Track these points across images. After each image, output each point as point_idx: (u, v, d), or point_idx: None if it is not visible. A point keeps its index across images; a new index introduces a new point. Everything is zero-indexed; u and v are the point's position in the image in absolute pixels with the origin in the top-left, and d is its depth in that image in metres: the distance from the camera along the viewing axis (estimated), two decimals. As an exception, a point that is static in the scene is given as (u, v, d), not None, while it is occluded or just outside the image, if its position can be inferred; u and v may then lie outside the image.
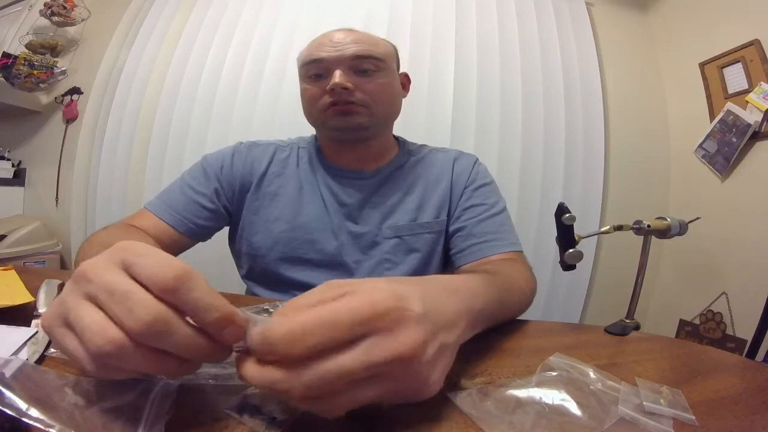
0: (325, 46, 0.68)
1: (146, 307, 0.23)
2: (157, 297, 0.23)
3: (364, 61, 0.67)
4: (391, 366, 0.24)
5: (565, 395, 0.31)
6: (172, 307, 0.23)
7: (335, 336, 0.23)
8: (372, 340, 0.24)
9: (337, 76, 0.65)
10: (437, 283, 0.33)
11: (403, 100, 0.78)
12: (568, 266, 0.64)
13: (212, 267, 1.16)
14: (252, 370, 0.24)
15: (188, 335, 0.24)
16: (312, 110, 0.71)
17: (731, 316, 1.46)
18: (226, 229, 0.78)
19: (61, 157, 1.91)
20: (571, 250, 0.62)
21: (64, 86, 1.96)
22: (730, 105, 1.55)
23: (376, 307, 0.24)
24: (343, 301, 0.25)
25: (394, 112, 0.75)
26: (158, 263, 0.24)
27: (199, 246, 0.73)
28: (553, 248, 0.97)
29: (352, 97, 0.67)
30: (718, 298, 1.51)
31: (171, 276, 0.23)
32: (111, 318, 0.23)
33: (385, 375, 0.24)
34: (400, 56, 0.78)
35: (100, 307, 0.24)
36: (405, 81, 0.78)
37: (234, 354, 0.26)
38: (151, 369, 0.24)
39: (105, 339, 0.23)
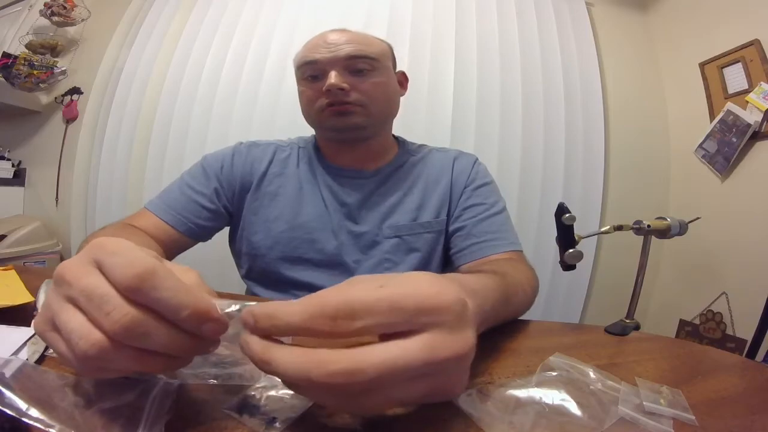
0: (320, 48, 0.68)
1: (121, 310, 0.23)
2: (127, 299, 0.23)
3: (358, 61, 0.67)
4: (448, 364, 0.23)
5: (565, 395, 0.31)
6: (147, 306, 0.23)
7: (395, 320, 0.22)
8: (434, 334, 0.23)
9: (333, 77, 0.65)
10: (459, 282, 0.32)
11: (403, 99, 0.78)
12: (568, 266, 0.64)
13: (212, 267, 1.16)
14: (291, 355, 0.22)
15: (167, 334, 0.23)
16: (309, 111, 0.71)
17: (731, 316, 1.46)
18: (226, 229, 0.78)
19: (61, 157, 1.91)
20: (571, 250, 0.62)
21: (64, 86, 1.96)
22: (730, 105, 1.55)
23: (441, 297, 0.23)
24: (408, 285, 0.23)
25: (391, 111, 0.75)
26: (123, 263, 0.24)
27: (199, 246, 0.73)
28: (553, 248, 0.97)
29: (348, 97, 0.67)
30: (718, 298, 1.51)
31: (131, 276, 0.23)
32: (91, 321, 0.23)
33: (438, 373, 0.23)
34: (400, 56, 0.78)
35: (81, 310, 0.24)
36: (402, 79, 0.78)
37: (223, 347, 0.26)
38: (140, 367, 0.24)
39: (89, 343, 0.23)
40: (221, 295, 0.27)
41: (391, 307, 0.22)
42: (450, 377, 0.25)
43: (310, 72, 0.69)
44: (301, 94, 0.72)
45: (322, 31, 0.71)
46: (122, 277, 0.23)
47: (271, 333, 0.23)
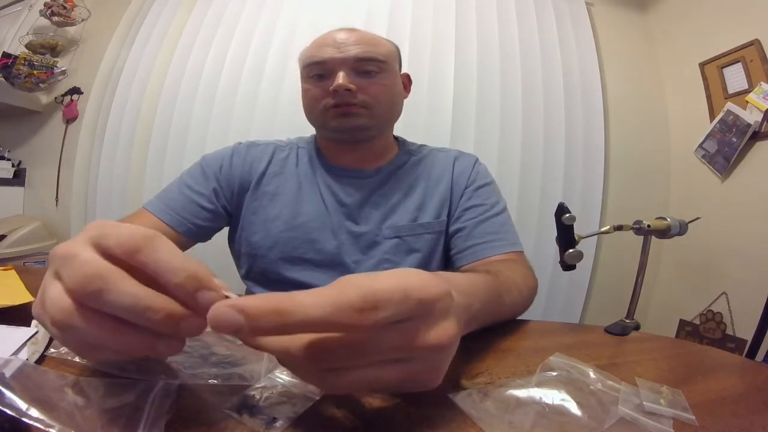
0: (328, 47, 0.68)
1: (84, 264, 0.22)
2: (117, 262, 0.23)
3: (367, 63, 0.68)
4: (429, 351, 0.24)
5: (565, 395, 0.31)
6: (142, 274, 0.23)
7: (402, 311, 0.23)
8: (423, 322, 0.24)
9: (341, 78, 0.65)
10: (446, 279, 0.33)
11: (404, 100, 0.78)
12: (568, 266, 0.64)
13: (212, 267, 1.15)
14: (304, 337, 0.22)
15: (133, 293, 0.22)
16: (313, 111, 0.71)
17: (731, 316, 1.46)
18: (226, 229, 0.78)
19: (61, 157, 1.91)
20: (571, 250, 0.62)
21: (64, 86, 1.96)
22: (730, 105, 1.55)
23: (436, 289, 0.24)
24: (411, 275, 0.24)
25: (395, 113, 0.75)
26: (126, 232, 0.23)
27: (199, 246, 0.73)
28: (553, 248, 0.97)
29: (354, 98, 0.67)
30: (718, 298, 1.51)
31: (136, 238, 0.23)
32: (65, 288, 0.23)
33: (418, 359, 0.24)
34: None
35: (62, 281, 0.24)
36: (406, 81, 0.78)
37: (223, 347, 0.26)
38: (117, 341, 0.23)
39: (56, 307, 0.22)
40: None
41: (404, 297, 0.23)
42: (426, 365, 0.25)
43: (317, 71, 0.69)
44: (305, 92, 0.72)
45: (329, 30, 0.71)
46: (124, 241, 0.23)
47: (276, 332, 0.21)
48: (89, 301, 0.22)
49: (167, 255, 0.23)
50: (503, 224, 0.72)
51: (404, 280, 0.23)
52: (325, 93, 0.68)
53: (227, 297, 0.23)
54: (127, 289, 0.22)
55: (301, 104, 0.74)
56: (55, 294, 0.23)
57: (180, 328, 0.23)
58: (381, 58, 0.69)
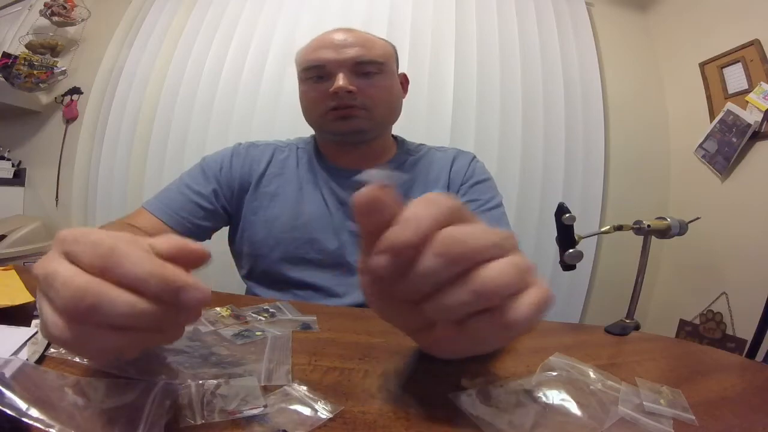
0: (326, 49, 0.68)
1: (68, 282, 0.21)
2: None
3: (365, 65, 0.68)
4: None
5: (565, 395, 0.31)
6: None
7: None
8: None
9: (341, 79, 0.65)
10: None
11: (403, 100, 0.78)
12: (568, 266, 0.64)
13: (212, 267, 1.16)
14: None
15: (128, 301, 0.21)
16: (312, 113, 0.71)
17: (731, 316, 1.46)
18: (226, 229, 0.78)
19: (61, 157, 1.91)
20: (571, 250, 0.62)
21: (64, 86, 1.96)
22: (730, 105, 1.55)
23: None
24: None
25: (394, 114, 0.76)
26: (86, 247, 0.23)
27: (199, 246, 0.73)
28: (553, 248, 0.97)
29: (354, 100, 0.67)
30: (718, 298, 1.51)
31: (97, 255, 0.22)
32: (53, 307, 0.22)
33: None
34: (399, 56, 0.78)
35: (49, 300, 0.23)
36: (404, 81, 0.78)
37: (223, 347, 0.26)
38: (121, 345, 0.22)
39: (55, 327, 0.22)
40: (220, 295, 0.27)
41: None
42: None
43: (315, 73, 0.69)
44: (303, 94, 0.72)
45: (326, 31, 0.71)
46: (88, 259, 0.22)
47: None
48: (87, 317, 0.21)
49: (131, 267, 0.22)
50: (498, 219, 0.72)
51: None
52: (325, 95, 0.67)
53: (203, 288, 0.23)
54: (124, 298, 0.21)
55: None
56: (47, 314, 0.22)
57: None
58: (379, 59, 0.69)
